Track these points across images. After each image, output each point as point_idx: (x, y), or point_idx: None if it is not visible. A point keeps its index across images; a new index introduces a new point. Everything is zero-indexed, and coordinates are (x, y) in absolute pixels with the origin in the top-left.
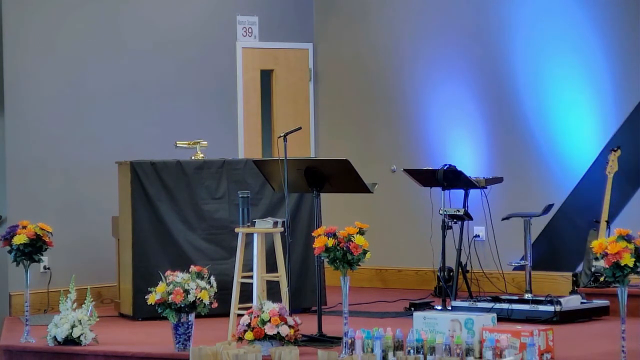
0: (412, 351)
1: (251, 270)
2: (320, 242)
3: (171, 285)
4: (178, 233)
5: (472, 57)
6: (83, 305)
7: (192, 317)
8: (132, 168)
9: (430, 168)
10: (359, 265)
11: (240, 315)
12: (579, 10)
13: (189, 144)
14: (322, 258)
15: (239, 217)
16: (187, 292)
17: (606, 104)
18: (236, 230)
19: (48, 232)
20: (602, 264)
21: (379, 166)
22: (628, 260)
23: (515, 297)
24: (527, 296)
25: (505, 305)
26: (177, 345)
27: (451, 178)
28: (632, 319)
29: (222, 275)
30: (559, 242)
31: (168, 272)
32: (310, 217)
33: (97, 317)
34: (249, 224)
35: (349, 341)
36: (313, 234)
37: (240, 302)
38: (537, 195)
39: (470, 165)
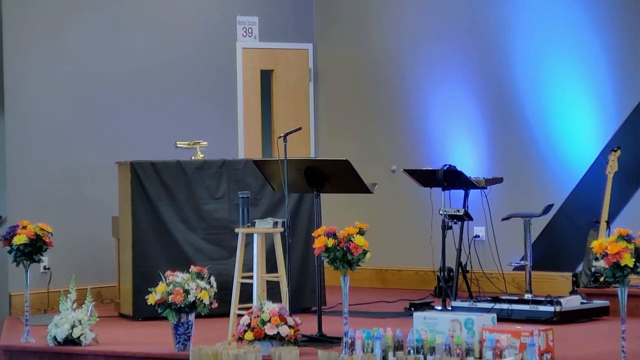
0: (412, 351)
1: (251, 270)
2: (320, 242)
3: (171, 286)
4: (178, 233)
5: (473, 57)
6: (83, 305)
7: (192, 317)
8: (132, 168)
9: (430, 168)
10: (359, 265)
11: (240, 315)
12: (579, 10)
13: (189, 144)
14: (322, 258)
15: (239, 217)
16: (187, 292)
17: (606, 104)
18: (236, 230)
19: (48, 232)
20: (602, 264)
21: (379, 166)
22: (628, 260)
23: (515, 297)
24: (527, 296)
25: (505, 306)
26: (177, 345)
27: (451, 178)
28: (632, 319)
29: (222, 275)
30: (559, 242)
31: (168, 272)
32: (310, 217)
33: (97, 317)
34: (249, 224)
35: (349, 341)
36: (313, 234)
37: (240, 302)
38: (537, 195)
39: (470, 165)
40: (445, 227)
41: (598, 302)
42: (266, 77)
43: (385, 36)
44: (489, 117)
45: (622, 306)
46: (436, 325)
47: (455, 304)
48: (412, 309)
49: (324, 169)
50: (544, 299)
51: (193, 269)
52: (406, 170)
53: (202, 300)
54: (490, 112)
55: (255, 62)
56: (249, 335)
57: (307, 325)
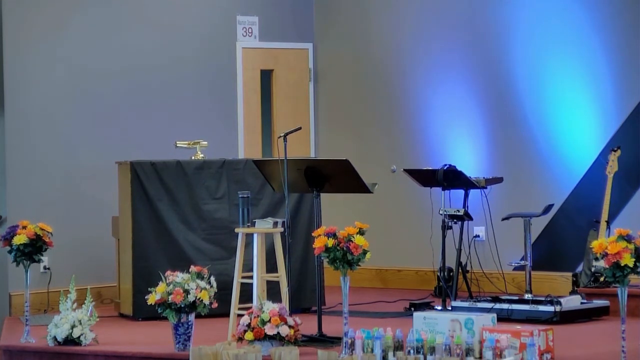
0: (412, 351)
1: (251, 270)
2: (320, 242)
3: (171, 286)
4: (178, 233)
5: (473, 57)
6: (83, 305)
7: (192, 317)
8: (132, 168)
9: (430, 168)
10: (359, 265)
11: (240, 315)
12: (580, 10)
13: (189, 144)
14: (322, 258)
15: (239, 217)
16: (187, 292)
17: (606, 104)
18: (236, 230)
19: (48, 232)
20: (602, 264)
21: (379, 166)
22: (628, 260)
23: (515, 297)
24: (527, 296)
25: (505, 305)
26: (177, 345)
27: (451, 178)
28: (632, 319)
29: (222, 275)
30: (559, 242)
31: (168, 272)
32: (310, 217)
33: (97, 317)
34: (249, 224)
35: (349, 341)
36: (313, 234)
37: (240, 302)
38: (537, 195)
39: (470, 165)
40: (445, 227)
41: (598, 302)
42: (266, 77)
43: (385, 36)
44: (489, 117)
45: (622, 306)
46: (436, 325)
47: (455, 304)
48: (412, 309)
49: (324, 168)
50: (544, 299)
51: (193, 269)
52: (406, 170)
53: (202, 300)
54: (490, 112)
55: (255, 62)
56: (249, 335)
57: (307, 325)
